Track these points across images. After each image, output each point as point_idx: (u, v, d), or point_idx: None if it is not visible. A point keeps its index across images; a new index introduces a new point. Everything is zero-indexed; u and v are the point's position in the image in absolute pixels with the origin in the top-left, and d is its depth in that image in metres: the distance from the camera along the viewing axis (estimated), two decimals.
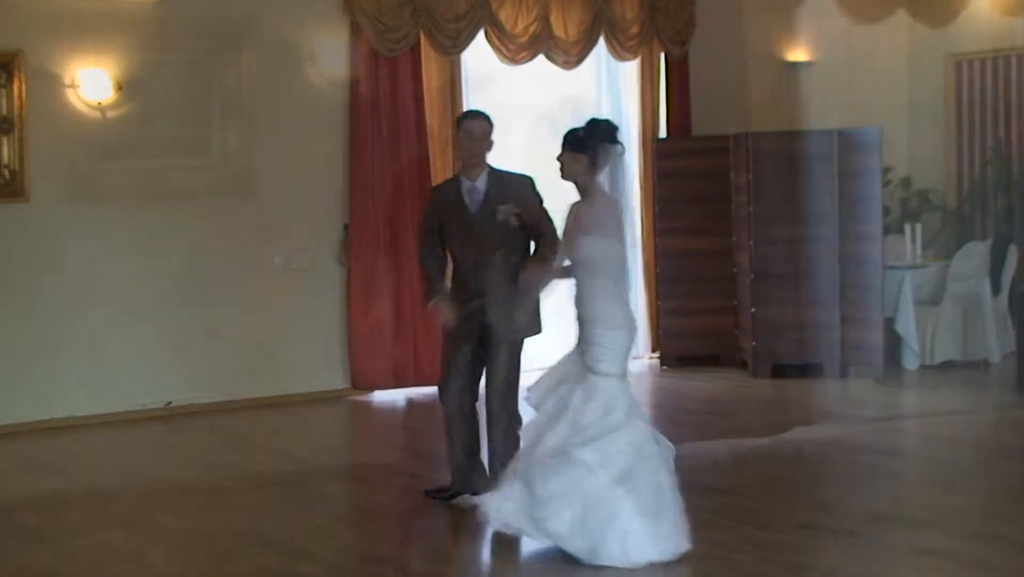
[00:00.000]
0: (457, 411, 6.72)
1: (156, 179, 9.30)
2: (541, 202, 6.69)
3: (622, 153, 5.97)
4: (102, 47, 9.05)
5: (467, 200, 6.70)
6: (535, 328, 6.71)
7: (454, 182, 6.88)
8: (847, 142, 10.02)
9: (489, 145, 6.70)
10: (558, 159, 6.01)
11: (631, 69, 11.25)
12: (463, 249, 6.72)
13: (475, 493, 6.53)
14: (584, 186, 5.97)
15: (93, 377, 9.10)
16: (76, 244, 9.10)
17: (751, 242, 10.19)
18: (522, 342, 6.64)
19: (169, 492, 7.34)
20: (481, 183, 6.68)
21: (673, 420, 8.82)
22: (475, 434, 6.79)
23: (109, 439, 8.71)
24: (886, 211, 10.71)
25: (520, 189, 6.67)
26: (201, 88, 9.44)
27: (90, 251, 9.14)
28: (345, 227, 9.97)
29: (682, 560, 5.70)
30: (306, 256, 9.88)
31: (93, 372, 9.11)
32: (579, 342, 5.95)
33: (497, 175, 6.71)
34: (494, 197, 6.61)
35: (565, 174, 6.01)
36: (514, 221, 6.46)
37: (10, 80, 8.77)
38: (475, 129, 6.66)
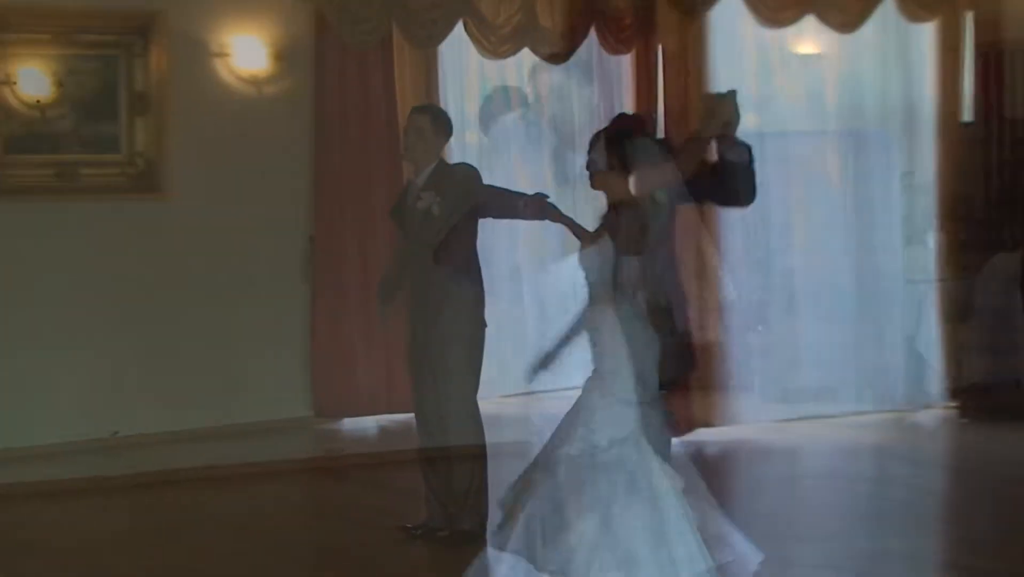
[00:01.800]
0: (426, 435, 6.45)
1: (75, 182, 8.80)
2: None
3: None
4: None
5: (408, 200, 6.45)
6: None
7: (409, 184, 6.65)
8: (861, 143, 9.77)
9: (433, 142, 6.43)
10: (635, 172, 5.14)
11: (625, 63, 10.54)
12: (406, 253, 6.44)
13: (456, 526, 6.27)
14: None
15: (29, 405, 8.50)
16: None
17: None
18: (455, 348, 6.20)
19: (112, 531, 6.98)
20: (420, 180, 6.40)
21: None
22: (453, 460, 6.34)
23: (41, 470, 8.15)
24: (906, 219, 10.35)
25: (462, 181, 6.35)
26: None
27: (15, 259, 8.58)
28: (311, 239, 9.41)
29: None
30: (268, 269, 9.31)
31: (28, 399, 8.50)
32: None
33: (441, 170, 6.41)
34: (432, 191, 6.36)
35: (643, 187, 5.02)
36: (436, 210, 6.21)
37: None
38: (409, 123, 6.55)
